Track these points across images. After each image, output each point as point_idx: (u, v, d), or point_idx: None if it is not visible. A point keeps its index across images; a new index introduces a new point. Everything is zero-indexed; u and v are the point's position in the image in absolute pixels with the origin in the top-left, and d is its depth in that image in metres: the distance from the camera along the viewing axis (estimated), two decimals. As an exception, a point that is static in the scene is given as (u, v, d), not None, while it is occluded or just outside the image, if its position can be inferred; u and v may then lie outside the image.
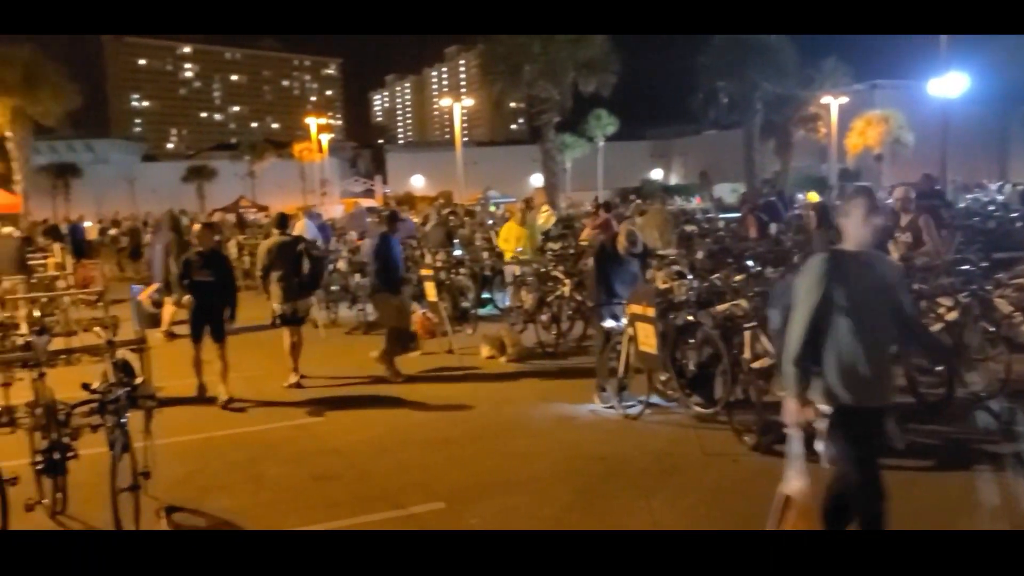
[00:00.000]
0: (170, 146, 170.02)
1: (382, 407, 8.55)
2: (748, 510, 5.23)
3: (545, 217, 18.96)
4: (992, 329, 7.48)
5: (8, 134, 32.32)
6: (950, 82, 23.32)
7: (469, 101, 56.76)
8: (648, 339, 7.18)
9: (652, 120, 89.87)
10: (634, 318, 7.37)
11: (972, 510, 5.18)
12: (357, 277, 13.86)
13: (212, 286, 8.84)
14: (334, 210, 40.83)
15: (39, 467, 5.60)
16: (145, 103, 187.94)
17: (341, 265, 14.46)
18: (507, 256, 13.57)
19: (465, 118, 59.46)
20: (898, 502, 4.23)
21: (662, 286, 8.18)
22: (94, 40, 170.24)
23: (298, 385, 9.56)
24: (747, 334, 6.99)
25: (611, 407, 7.87)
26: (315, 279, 10.21)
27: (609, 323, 7.98)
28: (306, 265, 9.73)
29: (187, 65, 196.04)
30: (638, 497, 5.72)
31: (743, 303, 7.41)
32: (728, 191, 43.57)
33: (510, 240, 13.62)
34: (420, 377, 9.83)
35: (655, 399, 7.70)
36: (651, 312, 7.15)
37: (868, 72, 55.55)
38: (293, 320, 9.79)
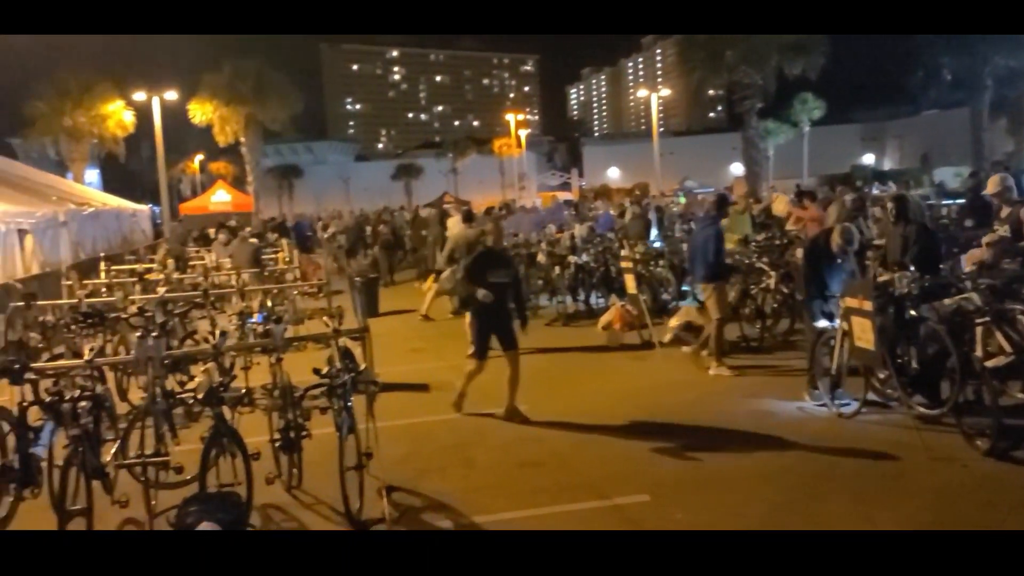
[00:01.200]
0: (380, 146, 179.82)
1: (583, 398, 8.67)
2: (980, 518, 4.87)
3: (781, 203, 17.70)
4: None
5: (242, 139, 35.56)
6: None
7: (666, 91, 56.06)
8: (865, 334, 6.81)
9: (862, 102, 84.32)
10: (849, 312, 7.01)
11: None
12: (556, 270, 14.09)
13: (504, 288, 8.10)
14: (532, 204, 41.63)
15: (277, 444, 6.18)
16: (358, 106, 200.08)
17: (541, 258, 14.74)
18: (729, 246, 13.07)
19: (661, 108, 58.67)
20: None
21: (881, 278, 7.71)
22: (313, 48, 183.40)
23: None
24: (979, 330, 6.45)
25: (823, 405, 7.54)
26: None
27: (822, 323, 7.63)
28: None
29: (395, 68, 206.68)
30: (853, 500, 5.46)
31: (974, 296, 6.84)
32: (951, 175, 40.11)
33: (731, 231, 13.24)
34: (621, 370, 9.86)
35: (872, 398, 7.29)
36: (868, 306, 6.77)
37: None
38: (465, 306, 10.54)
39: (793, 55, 30.69)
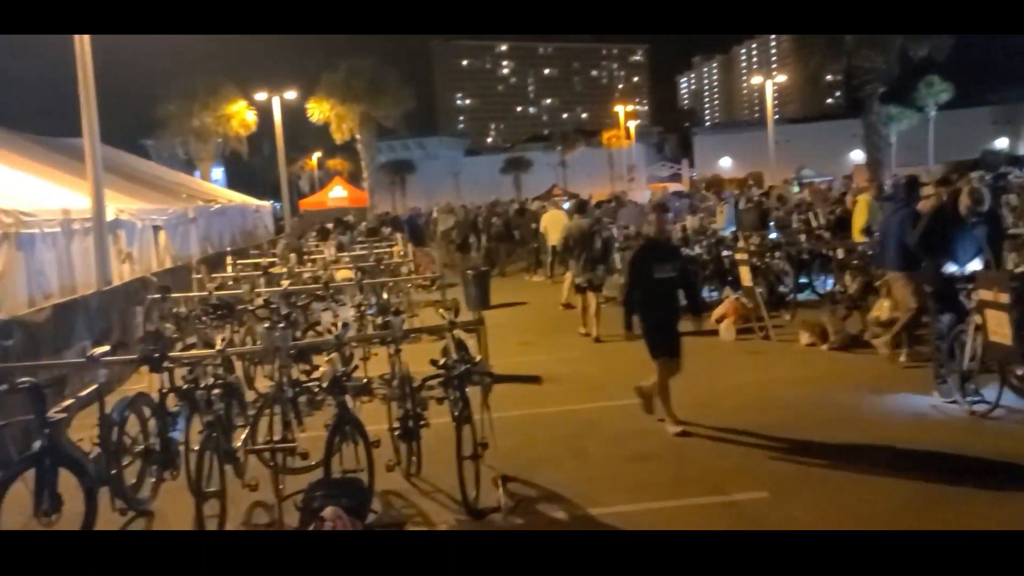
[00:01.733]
0: (489, 140, 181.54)
1: (697, 392, 8.52)
2: None
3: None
4: None
5: (357, 136, 36.59)
6: None
7: (781, 77, 54.28)
8: (1000, 329, 6.46)
9: (994, 83, 79.39)
10: (983, 305, 6.66)
11: None
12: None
13: (670, 284, 7.48)
14: (641, 196, 41.17)
15: (397, 433, 6.37)
16: (468, 101, 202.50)
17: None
18: (856, 237, 12.61)
19: (776, 95, 56.89)
20: None
21: (1019, 269, 7.30)
22: (424, 45, 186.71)
23: (597, 340, 11.41)
24: None
25: (953, 402, 7.20)
26: (605, 255, 12.48)
27: (951, 268, 7.27)
28: (598, 244, 11.90)
29: (504, 62, 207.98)
30: (989, 502, 5.20)
31: None
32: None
33: (858, 219, 12.79)
34: (736, 364, 9.67)
35: (1008, 396, 6.91)
36: (1005, 298, 6.42)
37: None
38: (589, 288, 11.70)
39: (918, 36, 29.19)
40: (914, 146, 57.53)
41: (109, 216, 11.94)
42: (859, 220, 12.84)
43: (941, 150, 56.63)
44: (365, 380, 6.83)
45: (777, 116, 62.47)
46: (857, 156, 50.26)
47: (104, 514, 5.51)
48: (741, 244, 12.88)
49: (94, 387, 6.12)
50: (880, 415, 7.19)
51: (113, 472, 5.74)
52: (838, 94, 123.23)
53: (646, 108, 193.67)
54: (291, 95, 33.25)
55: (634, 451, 6.75)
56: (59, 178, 13.57)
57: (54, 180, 13.27)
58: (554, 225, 17.03)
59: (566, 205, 24.71)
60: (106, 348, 6.92)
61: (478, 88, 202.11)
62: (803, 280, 13.40)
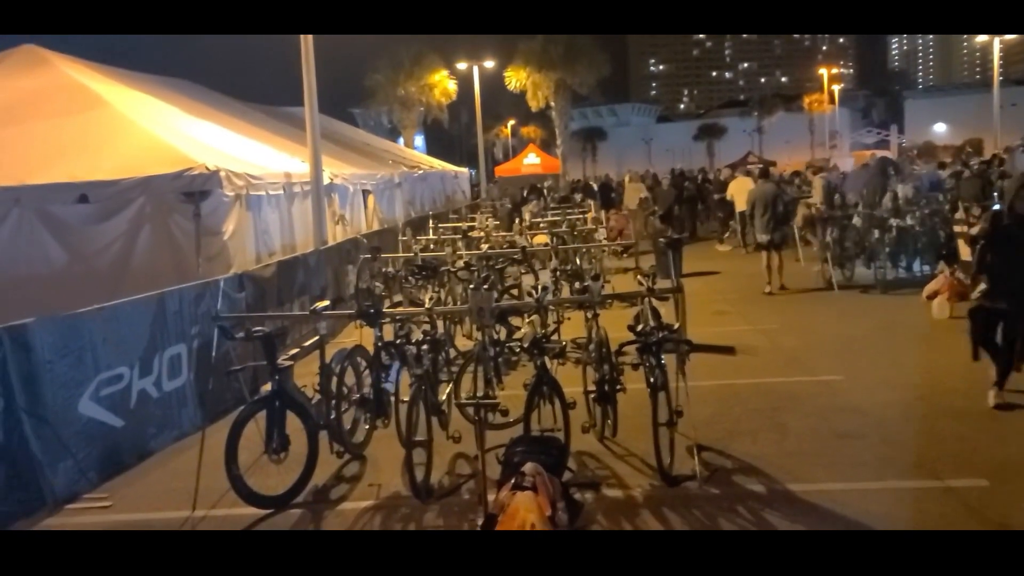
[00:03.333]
0: (681, 107, 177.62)
1: (907, 371, 8.08)
2: None
3: None
4: None
5: (552, 104, 36.92)
6: None
7: (1011, 35, 49.16)
8: None
9: None
10: None
11: None
12: (876, 233, 13.13)
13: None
14: (844, 163, 38.89)
15: (593, 396, 6.49)
16: (661, 67, 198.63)
17: (857, 221, 13.81)
18: None
19: (1003, 53, 51.66)
20: None
21: None
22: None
23: (770, 293, 12.63)
24: None
25: None
26: (787, 217, 13.63)
27: None
28: (780, 206, 13.02)
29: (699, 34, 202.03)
30: None
31: None
32: None
33: None
34: (948, 344, 9.03)
35: None
36: None
37: None
38: (771, 246, 12.86)
39: None
40: None
41: (324, 180, 12.82)
42: None
43: None
44: (563, 343, 6.98)
45: (1003, 77, 56.85)
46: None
47: (323, 455, 6.02)
48: (960, 215, 11.97)
49: (316, 338, 6.67)
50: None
51: (332, 417, 6.24)
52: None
53: (851, 71, 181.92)
54: (489, 64, 34.00)
55: (839, 429, 6.50)
56: (281, 144, 14.70)
57: (277, 146, 14.39)
58: (741, 192, 16.75)
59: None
60: (326, 303, 7.51)
61: (671, 53, 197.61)
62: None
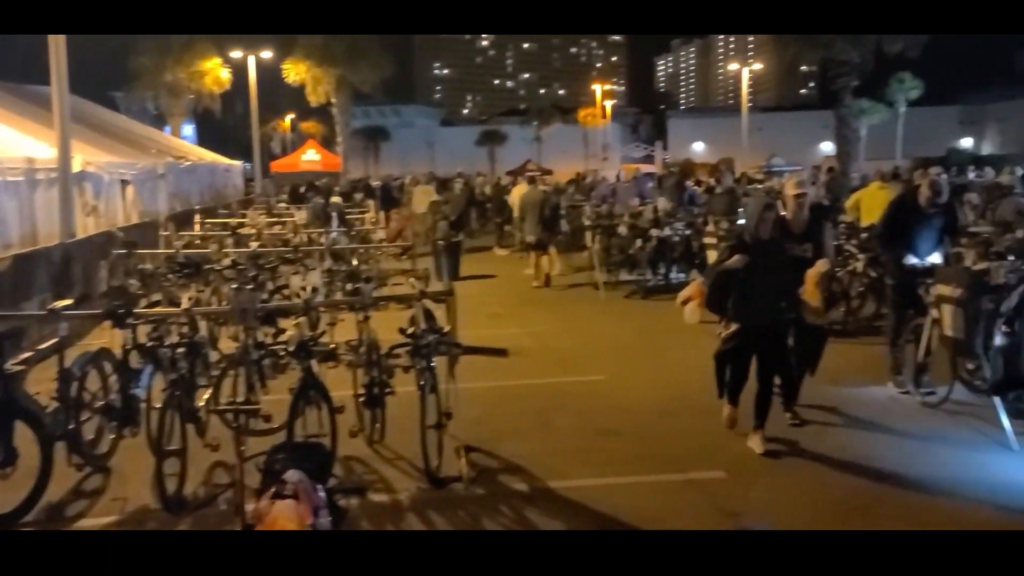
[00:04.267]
0: (465, 111, 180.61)
1: (663, 372, 8.66)
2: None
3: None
4: None
5: (333, 100, 36.12)
6: None
7: (758, 65, 54.55)
8: (956, 323, 6.60)
9: (964, 83, 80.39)
10: (941, 300, 6.80)
11: None
12: (638, 243, 13.98)
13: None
14: (612, 176, 41.22)
15: (362, 400, 6.37)
16: (445, 71, 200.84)
17: (623, 230, 14.65)
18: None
19: (751, 82, 57.12)
20: None
21: (976, 267, 7.44)
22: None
23: (538, 287, 14.20)
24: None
25: (906, 392, 7.37)
26: (554, 220, 15.25)
27: (912, 260, 7.40)
28: (547, 210, 14.80)
29: (483, 34, 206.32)
30: (937, 493, 5.35)
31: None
32: (1058, 164, 38.07)
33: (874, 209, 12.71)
34: (701, 346, 9.77)
35: (959, 388, 7.08)
36: (961, 294, 6.56)
37: None
38: (538, 246, 14.63)
39: (893, 32, 29.40)
40: (883, 141, 58.10)
41: (75, 168, 11.72)
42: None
43: (909, 146, 57.32)
44: (332, 346, 6.80)
45: (751, 104, 62.77)
46: (827, 147, 50.67)
47: (61, 468, 5.47)
48: (711, 228, 13.01)
49: (54, 340, 6.04)
50: (839, 402, 7.32)
51: (71, 427, 5.68)
52: (812, 85, 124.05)
53: (623, 88, 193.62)
54: (267, 55, 32.69)
55: (600, 427, 6.82)
56: (24, 126, 13.28)
57: (19, 128, 12.98)
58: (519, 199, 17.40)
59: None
60: (68, 301, 6.83)
61: (456, 58, 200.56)
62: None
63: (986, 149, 69.19)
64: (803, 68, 34.91)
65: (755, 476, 5.70)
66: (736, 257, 6.04)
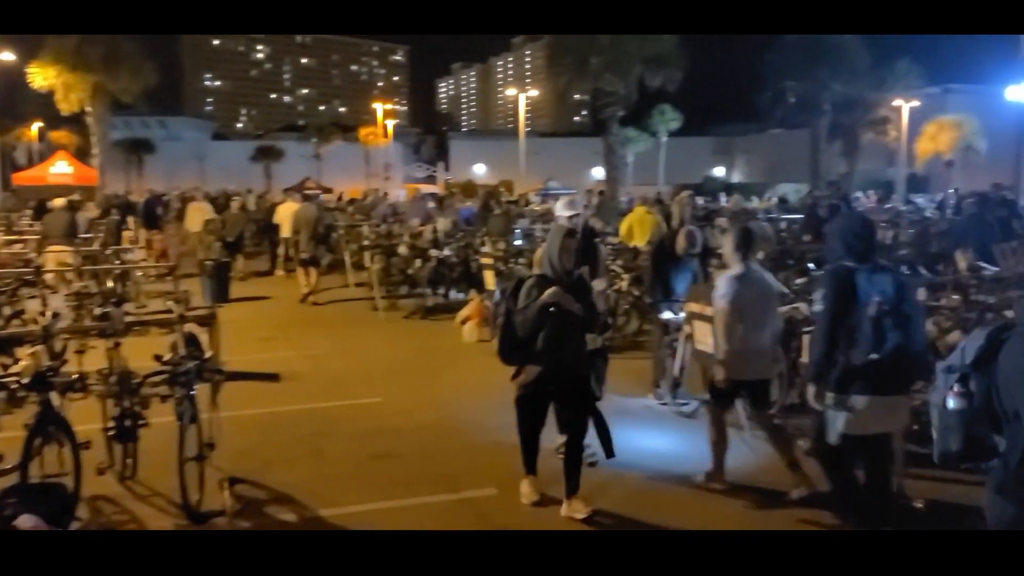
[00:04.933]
0: (239, 126, 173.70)
1: (442, 390, 8.70)
2: (804, 513, 5.23)
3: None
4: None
5: (88, 109, 33.31)
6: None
7: (534, 92, 56.81)
8: (705, 338, 7.15)
9: (716, 117, 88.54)
10: (691, 316, 7.35)
11: None
12: (418, 263, 14.04)
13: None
14: (396, 195, 41.24)
15: (111, 433, 5.87)
16: (217, 83, 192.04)
17: (403, 250, 14.66)
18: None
19: (529, 108, 59.44)
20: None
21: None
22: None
23: (307, 302, 14.39)
24: (806, 337, 6.91)
25: (665, 403, 7.89)
26: (327, 237, 16.27)
27: (667, 315, 8.00)
28: (320, 227, 15.37)
29: (259, 47, 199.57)
30: (691, 495, 5.74)
31: (803, 306, 7.34)
32: (792, 191, 42.76)
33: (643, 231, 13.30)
34: (479, 365, 9.94)
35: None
36: (709, 311, 7.12)
37: (942, 75, 53.84)
38: (311, 262, 14.86)
39: (654, 67, 31.79)
40: (648, 167, 62.57)
41: None
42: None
43: (670, 173, 62.04)
44: (76, 375, 6.22)
45: (529, 129, 65.36)
46: (598, 173, 53.68)
47: None
48: (487, 249, 13.31)
49: None
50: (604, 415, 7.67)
51: None
52: (585, 113, 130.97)
53: (405, 108, 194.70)
54: (8, 56, 29.65)
55: (374, 450, 6.72)
56: None
57: None
58: (288, 216, 16.82)
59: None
60: None
61: (229, 70, 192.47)
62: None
63: (736, 177, 76.39)
64: (576, 97, 36.67)
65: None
66: (553, 290, 5.18)
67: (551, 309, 5.18)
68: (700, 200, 31.02)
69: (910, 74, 42.49)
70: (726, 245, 6.14)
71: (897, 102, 42.74)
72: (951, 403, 3.23)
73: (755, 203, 36.23)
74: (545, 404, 5.51)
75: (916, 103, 43.45)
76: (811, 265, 10.03)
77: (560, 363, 5.32)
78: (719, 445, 6.00)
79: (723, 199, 36.20)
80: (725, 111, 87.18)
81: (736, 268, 5.88)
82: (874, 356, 4.55)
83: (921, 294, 8.13)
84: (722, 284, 5.92)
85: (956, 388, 3.22)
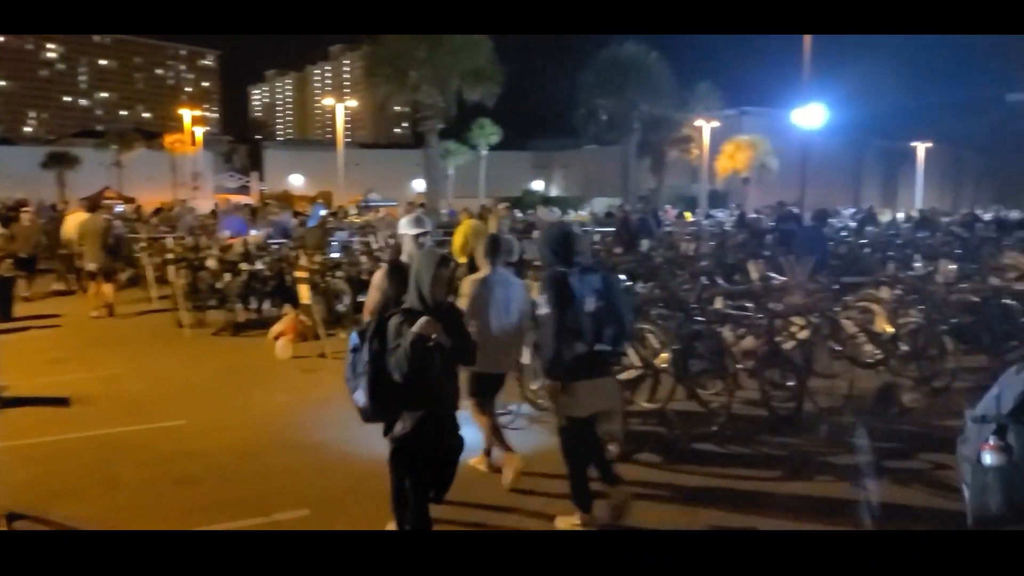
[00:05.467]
0: (28, 130, 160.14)
1: (247, 410, 8.33)
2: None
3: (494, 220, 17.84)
4: (838, 348, 8.01)
5: None
6: (811, 112, 24.70)
7: (353, 102, 56.10)
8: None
9: (535, 132, 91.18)
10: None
11: (816, 515, 5.53)
12: (227, 276, 13.43)
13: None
14: (206, 206, 39.35)
15: None
16: (2, 83, 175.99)
17: (211, 264, 13.98)
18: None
19: (348, 119, 58.65)
20: (749, 507, 4.50)
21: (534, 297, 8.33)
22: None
23: (98, 317, 13.77)
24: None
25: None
26: (117, 248, 15.20)
27: None
28: (110, 238, 14.46)
29: (50, 45, 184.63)
30: (510, 498, 5.80)
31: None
32: (605, 206, 44.71)
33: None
34: (292, 382, 9.63)
35: (525, 407, 7.83)
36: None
37: (739, 98, 58.35)
38: (102, 276, 14.17)
39: (473, 81, 32.34)
40: (469, 181, 63.43)
41: None
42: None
43: (491, 186, 63.11)
44: None
45: (349, 139, 64.44)
46: (419, 185, 53.74)
47: None
48: (303, 262, 12.94)
49: None
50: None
51: None
52: (405, 125, 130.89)
53: (216, 115, 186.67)
54: None
55: (176, 475, 6.32)
56: None
57: None
58: (75, 228, 15.71)
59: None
60: None
61: (16, 69, 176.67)
62: (363, 299, 13.81)
63: (554, 191, 78.90)
64: (396, 108, 36.63)
65: (340, 508, 5.70)
66: (426, 320, 4.27)
67: (428, 344, 4.28)
68: (519, 213, 31.79)
69: (710, 96, 45.70)
70: (478, 251, 6.44)
71: (699, 122, 45.72)
72: (988, 459, 2.96)
73: (572, 216, 37.56)
74: (425, 453, 4.51)
75: (716, 123, 46.68)
76: (623, 276, 10.45)
77: (441, 403, 4.52)
78: (496, 431, 6.26)
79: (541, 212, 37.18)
80: (544, 126, 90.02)
81: (483, 271, 6.24)
82: (602, 347, 5.05)
83: (719, 302, 8.75)
84: (466, 285, 6.19)
85: (993, 441, 2.95)
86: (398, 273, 5.53)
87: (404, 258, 5.86)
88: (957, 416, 7.41)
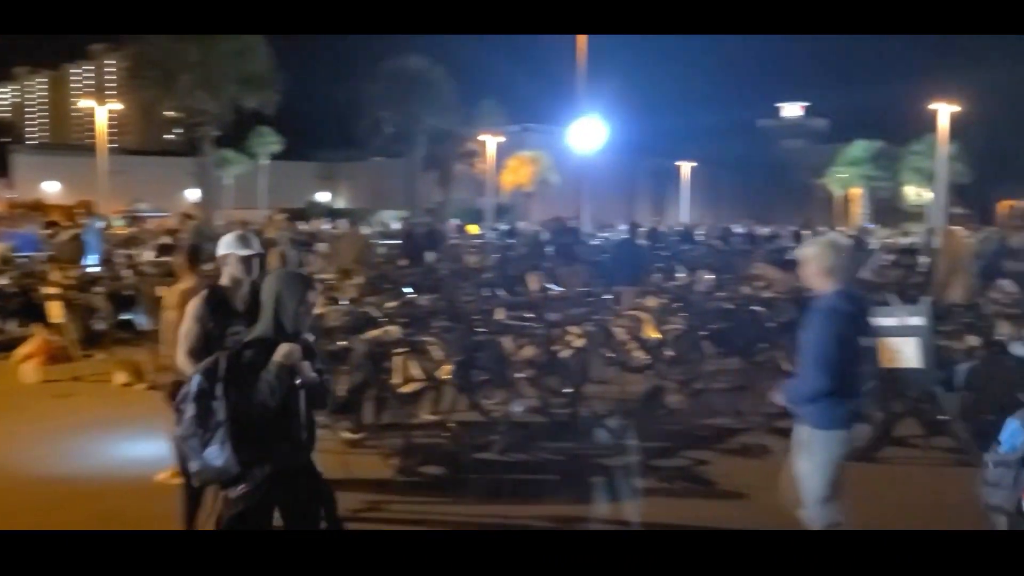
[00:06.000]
0: None
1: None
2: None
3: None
4: (611, 355, 8.42)
5: None
6: (588, 131, 26.00)
7: (116, 105, 52.17)
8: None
9: (320, 142, 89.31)
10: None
11: (587, 514, 5.74)
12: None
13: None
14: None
15: None
16: None
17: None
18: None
19: (113, 122, 54.55)
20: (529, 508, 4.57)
21: (321, 311, 8.10)
22: None
23: None
24: (397, 359, 7.13)
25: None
26: None
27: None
28: None
29: None
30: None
31: (394, 329, 7.56)
32: (392, 218, 44.64)
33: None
34: (42, 410, 8.72)
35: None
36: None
37: (522, 115, 60.39)
38: None
39: (249, 88, 31.17)
40: (249, 191, 61.07)
41: None
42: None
43: (274, 197, 61.14)
44: None
45: (114, 144, 59.97)
46: (194, 194, 51.00)
47: None
48: (55, 277, 11.83)
49: None
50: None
51: None
52: (178, 131, 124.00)
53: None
54: None
55: None
56: None
57: None
58: None
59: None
60: None
61: None
62: (127, 316, 12.82)
63: (340, 203, 77.67)
64: (167, 113, 34.57)
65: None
66: (289, 349, 3.53)
67: (295, 379, 3.58)
68: (303, 225, 30.93)
69: (494, 112, 47.00)
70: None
71: (484, 137, 46.83)
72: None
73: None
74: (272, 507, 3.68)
75: (501, 139, 48.01)
76: (407, 289, 10.40)
77: (284, 460, 3.60)
78: None
79: (326, 224, 36.49)
80: (328, 137, 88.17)
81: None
82: None
83: (500, 313, 8.93)
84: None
85: None
86: (220, 300, 4.76)
87: (225, 282, 4.94)
88: (715, 415, 8.11)
